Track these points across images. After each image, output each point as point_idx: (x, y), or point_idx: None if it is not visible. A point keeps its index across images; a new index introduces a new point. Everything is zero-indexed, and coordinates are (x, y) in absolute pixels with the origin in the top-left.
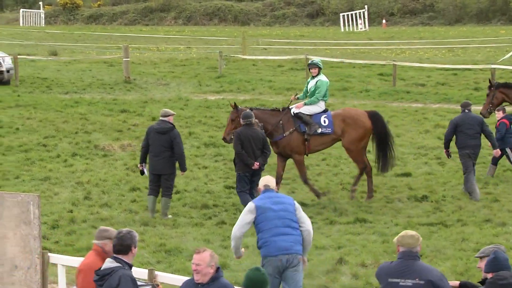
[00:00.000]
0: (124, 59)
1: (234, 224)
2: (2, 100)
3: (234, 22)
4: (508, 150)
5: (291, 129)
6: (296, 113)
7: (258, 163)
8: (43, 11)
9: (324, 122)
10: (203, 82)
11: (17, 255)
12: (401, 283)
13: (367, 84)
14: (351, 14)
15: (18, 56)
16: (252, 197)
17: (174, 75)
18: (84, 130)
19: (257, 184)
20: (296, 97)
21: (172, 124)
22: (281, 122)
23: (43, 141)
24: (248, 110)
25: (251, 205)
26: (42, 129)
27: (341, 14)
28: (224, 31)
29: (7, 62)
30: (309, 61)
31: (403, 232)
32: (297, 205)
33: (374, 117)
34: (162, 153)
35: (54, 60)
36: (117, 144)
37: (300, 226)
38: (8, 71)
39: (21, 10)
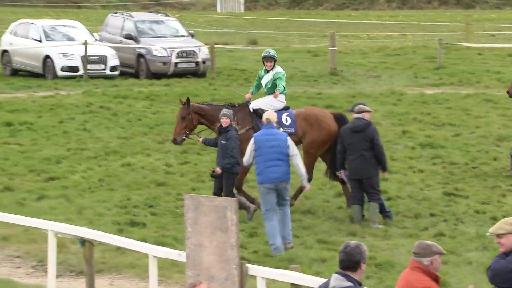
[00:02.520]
0: (330, 48)
1: (454, 236)
2: (198, 94)
3: (456, 5)
4: None
5: (247, 127)
6: (255, 109)
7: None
8: None
9: (286, 120)
10: (420, 74)
11: (214, 265)
12: None
13: None
14: None
15: (215, 46)
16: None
17: (386, 66)
18: None
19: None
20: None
21: (368, 120)
22: (236, 119)
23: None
24: (352, 108)
25: (252, 139)
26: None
27: None
28: (445, 16)
29: (203, 52)
30: (264, 53)
31: (503, 222)
32: (290, 141)
33: (340, 120)
34: (360, 154)
35: (253, 50)
36: None
37: (290, 156)
38: (204, 62)
39: None
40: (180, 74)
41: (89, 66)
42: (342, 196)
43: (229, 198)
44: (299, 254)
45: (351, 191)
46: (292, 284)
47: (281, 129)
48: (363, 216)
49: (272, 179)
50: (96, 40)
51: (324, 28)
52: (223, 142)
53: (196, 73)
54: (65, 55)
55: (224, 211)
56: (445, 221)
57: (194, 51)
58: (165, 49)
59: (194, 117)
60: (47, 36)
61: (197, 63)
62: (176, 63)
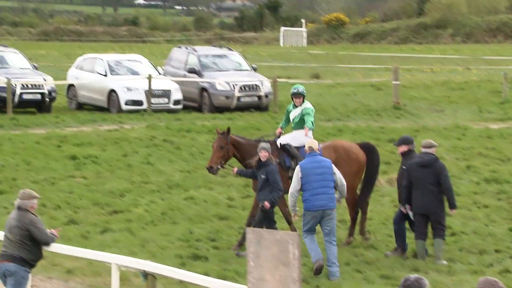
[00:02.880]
0: (393, 82)
1: None
2: (260, 127)
3: None
4: None
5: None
6: (283, 144)
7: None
8: (305, 29)
9: None
10: (484, 108)
11: None
12: None
13: None
14: None
15: (278, 79)
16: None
17: (450, 100)
18: None
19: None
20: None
21: (435, 156)
22: None
23: None
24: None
25: (298, 167)
26: None
27: None
28: (510, 49)
29: (266, 86)
30: (293, 90)
31: None
32: (334, 168)
33: (368, 149)
34: (428, 189)
35: (316, 84)
36: (384, 178)
37: (336, 182)
38: (266, 96)
39: (283, 28)
40: (243, 108)
41: (153, 100)
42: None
43: (291, 232)
44: None
45: (416, 226)
46: None
47: None
48: (427, 251)
49: (318, 207)
50: (160, 74)
51: (387, 62)
52: (263, 176)
53: (259, 107)
54: (129, 89)
55: (286, 245)
56: (511, 258)
57: (257, 85)
58: (228, 83)
59: (230, 148)
60: (112, 70)
61: (259, 97)
62: (239, 97)
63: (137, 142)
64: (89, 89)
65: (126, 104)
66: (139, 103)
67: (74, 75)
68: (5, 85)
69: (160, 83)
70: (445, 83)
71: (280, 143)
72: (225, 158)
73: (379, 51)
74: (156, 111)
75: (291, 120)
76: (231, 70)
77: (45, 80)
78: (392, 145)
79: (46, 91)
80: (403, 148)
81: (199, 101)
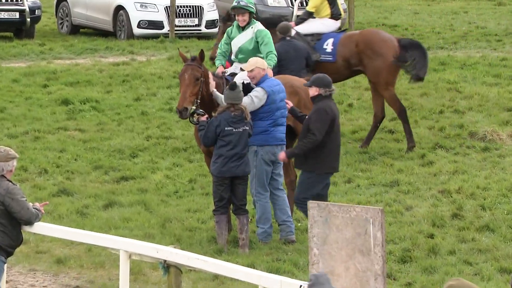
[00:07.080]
0: None
1: None
2: None
3: None
4: None
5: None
6: (247, 85)
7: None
8: None
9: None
10: None
11: None
12: None
13: None
14: None
15: None
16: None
17: None
18: (453, 108)
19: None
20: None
21: None
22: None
23: (388, 125)
24: None
25: (262, 91)
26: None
27: None
28: None
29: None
30: (234, 2)
31: None
32: None
33: None
34: None
35: None
36: (506, 131)
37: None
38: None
39: None
40: None
41: (177, 21)
42: None
43: (372, 207)
44: None
45: None
46: None
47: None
48: None
49: (279, 140)
50: None
51: None
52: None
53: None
54: (143, 5)
55: (364, 225)
56: None
57: None
58: None
59: (205, 82)
60: None
61: None
62: (298, 16)
63: (156, 80)
64: (87, 6)
65: (139, 26)
66: (158, 25)
67: None
68: None
69: None
70: None
71: (243, 83)
72: (198, 96)
73: None
74: (182, 36)
75: (235, 49)
76: None
77: None
78: None
79: (26, 8)
80: (313, 91)
81: None
